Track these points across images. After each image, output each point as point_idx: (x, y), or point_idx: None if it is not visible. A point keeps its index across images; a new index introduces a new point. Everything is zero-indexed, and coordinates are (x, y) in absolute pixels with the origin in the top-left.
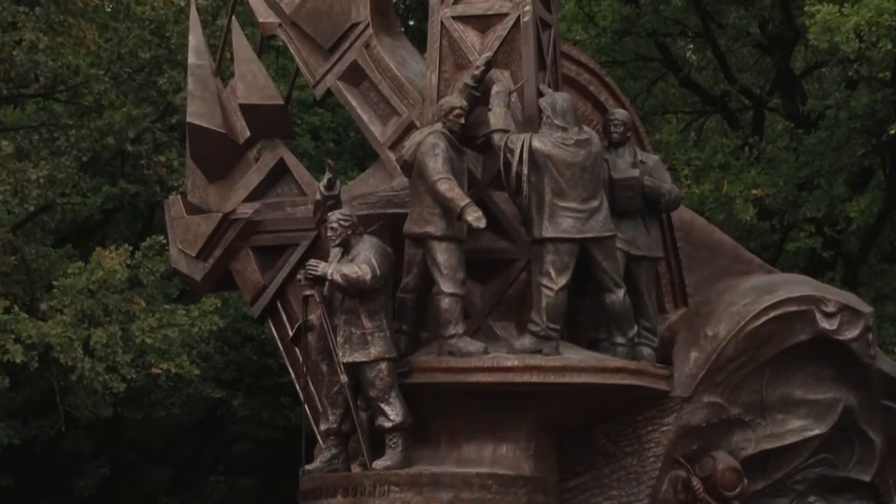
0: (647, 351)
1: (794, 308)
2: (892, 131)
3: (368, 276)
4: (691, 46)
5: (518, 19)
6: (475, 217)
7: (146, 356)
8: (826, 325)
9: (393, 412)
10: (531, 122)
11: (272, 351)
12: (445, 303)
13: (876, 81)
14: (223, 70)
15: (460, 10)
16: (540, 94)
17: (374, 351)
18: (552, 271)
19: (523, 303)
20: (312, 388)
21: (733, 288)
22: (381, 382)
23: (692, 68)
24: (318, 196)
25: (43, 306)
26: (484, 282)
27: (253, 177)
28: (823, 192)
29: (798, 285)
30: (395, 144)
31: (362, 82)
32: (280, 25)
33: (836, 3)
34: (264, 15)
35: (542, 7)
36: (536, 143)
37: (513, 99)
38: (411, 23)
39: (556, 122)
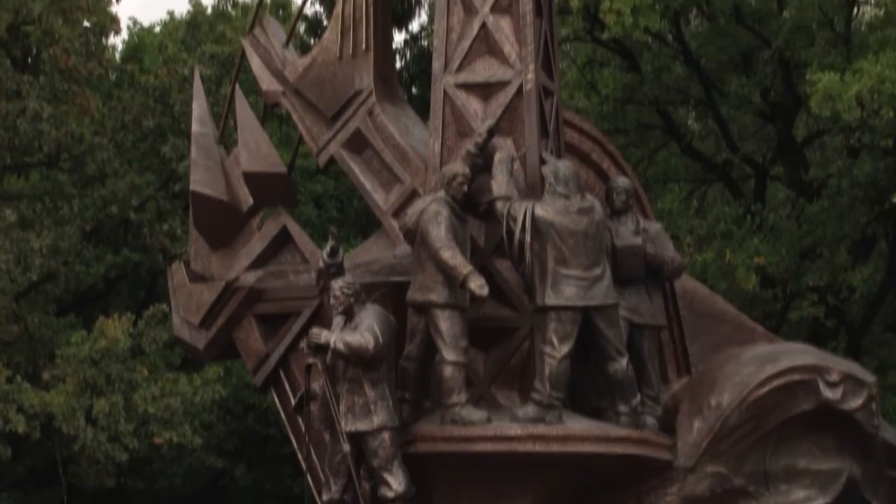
0: (650, 420)
1: (797, 377)
2: (895, 199)
3: (371, 345)
4: (693, 114)
5: (521, 87)
6: (478, 285)
7: (148, 425)
8: (830, 394)
9: (396, 482)
10: (534, 189)
11: (275, 420)
12: (448, 371)
13: (878, 150)
14: (227, 138)
15: (463, 78)
16: (542, 162)
17: (377, 420)
18: (555, 339)
19: (526, 371)
20: (315, 458)
21: (736, 357)
22: (383, 452)
23: (694, 136)
24: (320, 264)
25: (45, 375)
26: (487, 350)
27: (256, 245)
28: (826, 261)
29: (801, 354)
30: (398, 212)
31: (365, 150)
32: (283, 93)
33: (837, 72)
34: (268, 83)
35: (544, 75)
36: (539, 211)
37: (515, 166)
38: (414, 91)
39: (558, 189)
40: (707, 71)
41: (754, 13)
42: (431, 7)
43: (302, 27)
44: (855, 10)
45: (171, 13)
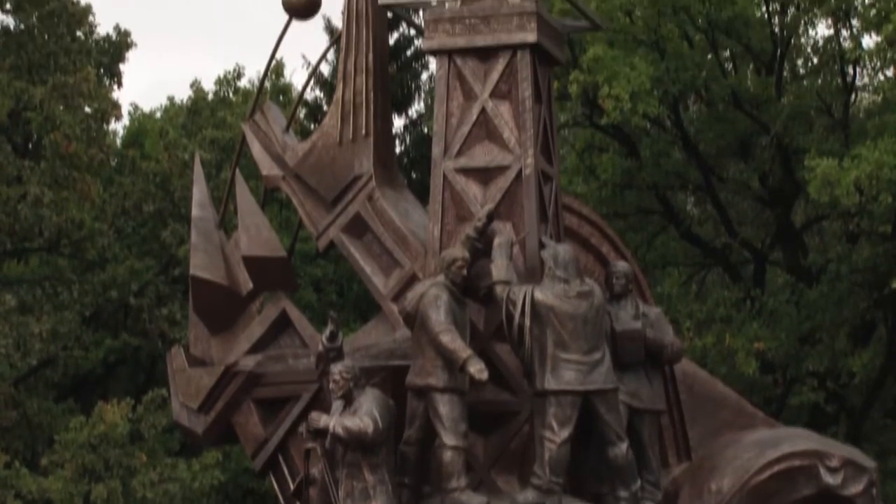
0: None
1: (797, 463)
2: (894, 285)
3: (371, 429)
4: (692, 199)
5: (520, 172)
6: (477, 369)
7: None
8: (830, 480)
9: None
10: (533, 273)
11: None
12: (448, 456)
13: (877, 235)
14: (227, 222)
15: (462, 162)
16: (542, 246)
17: None
18: (555, 424)
19: (526, 456)
20: None
21: (737, 442)
22: None
23: (693, 221)
24: (320, 348)
25: (44, 461)
26: (486, 434)
27: (255, 329)
28: (826, 346)
29: (802, 440)
30: (398, 296)
31: (365, 234)
32: (283, 178)
33: (836, 158)
34: (268, 167)
35: (543, 160)
36: (539, 295)
37: (515, 251)
38: (414, 175)
39: (558, 273)
40: (706, 156)
41: (752, 99)
42: (430, 93)
43: (302, 112)
44: (853, 96)
45: (171, 99)
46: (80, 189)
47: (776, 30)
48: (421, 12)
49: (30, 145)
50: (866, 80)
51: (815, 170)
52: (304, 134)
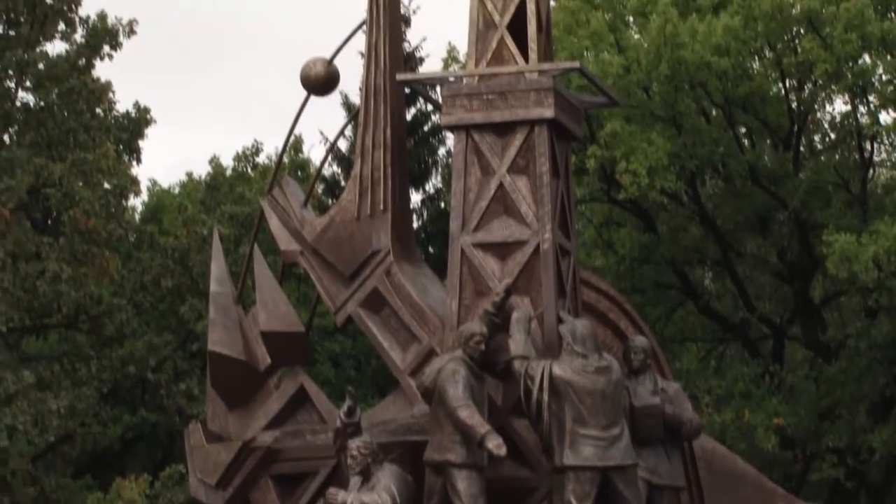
0: None
1: None
2: None
3: None
4: (710, 274)
5: (538, 247)
6: (496, 445)
7: None
8: None
9: None
10: (551, 348)
11: None
12: None
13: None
14: (245, 297)
15: (480, 237)
16: (560, 321)
17: None
18: (573, 500)
19: None
20: None
21: None
22: None
23: (711, 296)
24: (338, 423)
25: None
26: None
27: (273, 404)
28: (845, 422)
29: None
30: (416, 371)
31: (383, 309)
32: (302, 253)
33: (854, 233)
34: (286, 243)
35: (561, 234)
36: (557, 371)
37: (533, 326)
38: (431, 250)
39: (576, 349)
40: (723, 231)
41: (770, 174)
42: (448, 168)
43: (320, 188)
44: (871, 172)
45: (190, 175)
46: (99, 265)
47: (793, 105)
48: (438, 88)
49: (49, 221)
50: (884, 155)
51: (834, 245)
52: (322, 209)
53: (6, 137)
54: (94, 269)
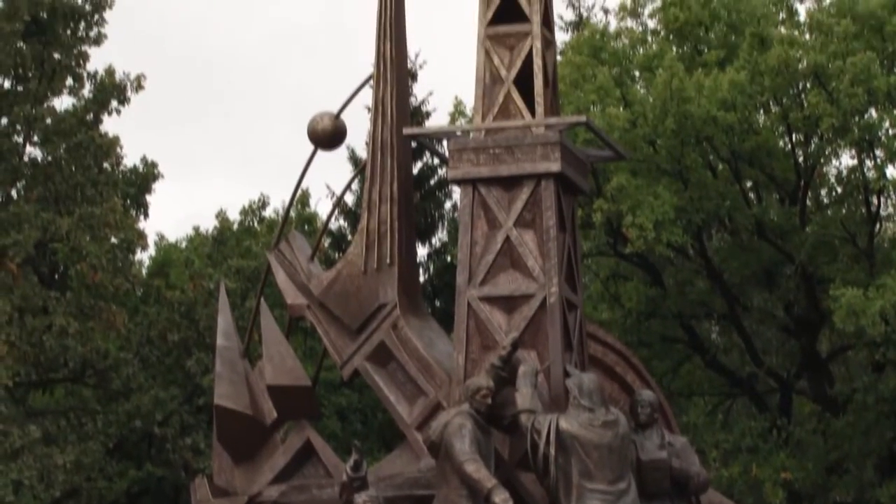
0: None
1: None
2: None
3: None
4: (717, 328)
5: (544, 300)
6: (502, 499)
7: None
8: None
9: None
10: (558, 402)
11: None
12: None
13: None
14: (251, 351)
15: (487, 291)
16: (566, 375)
17: None
18: None
19: None
20: None
21: None
22: None
23: (718, 350)
24: (344, 478)
25: None
26: None
27: (279, 458)
28: (853, 477)
29: None
30: (422, 425)
31: (389, 363)
32: (308, 307)
33: (861, 287)
34: (293, 296)
35: (567, 288)
36: (563, 424)
37: (539, 379)
38: (438, 304)
39: (582, 402)
40: (730, 285)
41: (776, 228)
42: (454, 221)
43: (327, 242)
44: (877, 226)
45: (196, 229)
46: (106, 319)
47: (800, 160)
48: (445, 142)
49: (56, 276)
50: (890, 209)
51: (841, 299)
52: (328, 263)
53: (14, 192)
54: (100, 324)
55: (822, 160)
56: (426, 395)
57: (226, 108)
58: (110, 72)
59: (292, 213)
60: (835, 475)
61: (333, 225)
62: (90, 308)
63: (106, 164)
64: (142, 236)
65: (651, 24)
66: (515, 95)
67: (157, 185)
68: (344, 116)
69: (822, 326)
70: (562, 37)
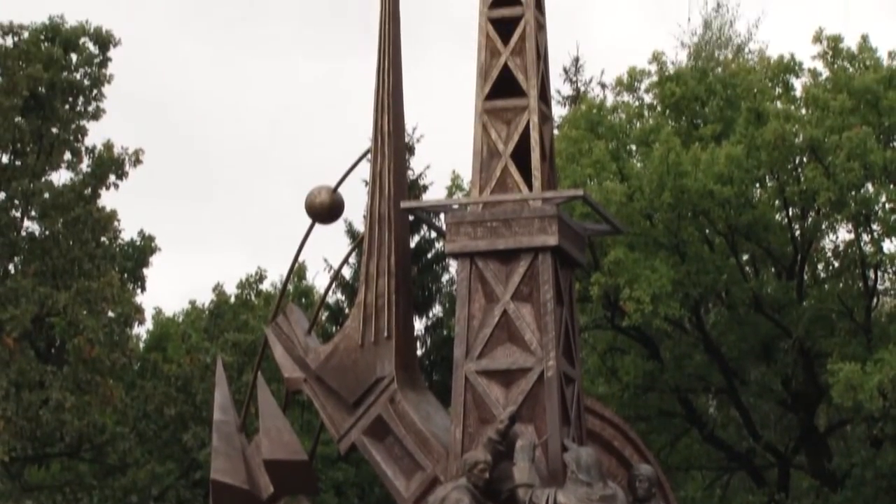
0: None
1: None
2: None
3: None
4: (714, 402)
5: (542, 374)
6: None
7: None
8: None
9: None
10: (556, 476)
11: None
12: None
13: None
14: (248, 425)
15: (484, 364)
16: (564, 449)
17: None
18: None
19: None
20: None
21: None
22: None
23: (716, 424)
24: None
25: None
26: None
27: None
28: None
29: None
30: (420, 500)
31: (387, 437)
32: (305, 380)
33: (858, 362)
34: (290, 370)
35: (565, 362)
36: (561, 499)
37: (537, 453)
38: (435, 377)
39: (580, 477)
40: (728, 359)
41: (774, 302)
42: (451, 295)
43: (324, 315)
44: (875, 300)
45: (193, 303)
46: (103, 393)
47: (796, 234)
48: (442, 215)
49: (53, 350)
50: (887, 284)
51: (838, 374)
52: (326, 337)
53: (11, 267)
54: (97, 398)
55: (818, 234)
56: (423, 469)
57: (223, 181)
58: (109, 146)
59: (290, 287)
60: None
61: (331, 298)
62: (87, 382)
63: (103, 238)
64: (139, 310)
65: (647, 98)
66: (512, 169)
67: (154, 259)
68: (342, 190)
69: (820, 401)
70: (559, 111)
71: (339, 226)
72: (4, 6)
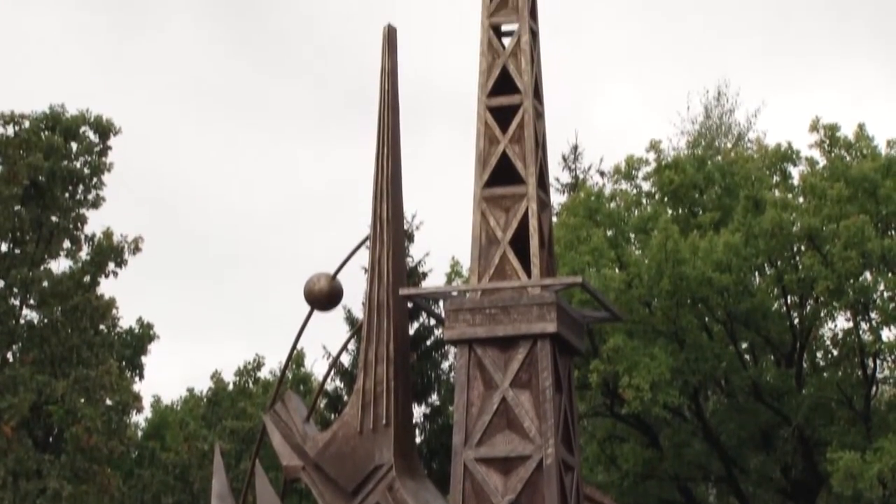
0: None
1: None
2: None
3: None
4: (714, 491)
5: (541, 462)
6: None
7: None
8: None
9: None
10: None
11: None
12: None
13: None
14: None
15: (483, 452)
16: None
17: None
18: None
19: None
20: None
21: None
22: None
23: None
24: None
25: None
26: None
27: None
28: None
29: None
30: None
31: None
32: (304, 468)
33: (858, 450)
34: (288, 458)
35: (564, 449)
36: None
37: None
38: (434, 465)
39: None
40: (727, 447)
41: (773, 391)
42: (450, 382)
43: (323, 402)
44: (874, 389)
45: (191, 391)
46: (100, 482)
47: (795, 322)
48: (441, 302)
49: (50, 438)
50: (886, 372)
51: (838, 462)
52: (324, 424)
53: (9, 355)
54: (94, 487)
55: (817, 322)
56: None
57: (221, 268)
58: (108, 234)
59: (288, 374)
60: None
61: (329, 385)
62: (84, 471)
63: (102, 326)
64: (137, 398)
65: (646, 186)
66: (511, 256)
67: (152, 346)
68: (340, 277)
69: (819, 489)
70: (557, 198)
71: (337, 313)
72: (5, 95)
